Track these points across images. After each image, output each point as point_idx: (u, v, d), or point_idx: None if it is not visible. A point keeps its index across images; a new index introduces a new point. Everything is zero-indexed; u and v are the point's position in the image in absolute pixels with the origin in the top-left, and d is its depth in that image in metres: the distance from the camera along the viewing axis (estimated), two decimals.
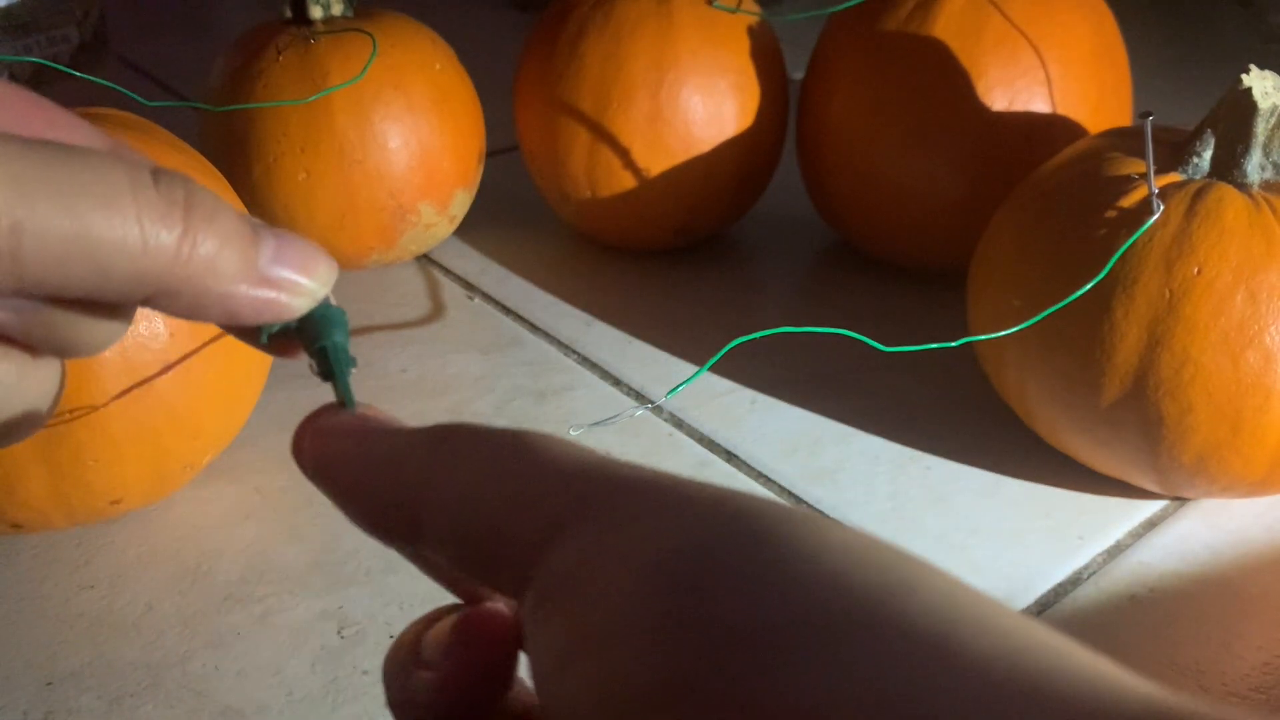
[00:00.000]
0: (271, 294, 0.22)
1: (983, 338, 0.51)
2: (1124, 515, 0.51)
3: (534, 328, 0.67)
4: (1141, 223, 0.46)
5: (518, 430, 0.20)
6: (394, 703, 0.22)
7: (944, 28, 0.63)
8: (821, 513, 0.52)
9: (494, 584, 0.19)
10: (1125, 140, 0.51)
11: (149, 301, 0.20)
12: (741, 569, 0.15)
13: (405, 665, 0.21)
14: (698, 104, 0.65)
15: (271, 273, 0.22)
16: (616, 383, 0.61)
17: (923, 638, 0.14)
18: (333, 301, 0.24)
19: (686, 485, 0.18)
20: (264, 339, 0.24)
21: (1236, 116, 0.47)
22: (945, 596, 0.15)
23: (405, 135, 0.65)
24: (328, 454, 0.22)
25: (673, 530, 0.16)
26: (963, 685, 0.13)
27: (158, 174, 0.20)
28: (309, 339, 0.24)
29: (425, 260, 0.74)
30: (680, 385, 0.55)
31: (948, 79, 0.62)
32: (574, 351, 0.64)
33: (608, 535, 0.17)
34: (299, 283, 0.22)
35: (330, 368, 0.24)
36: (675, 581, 0.15)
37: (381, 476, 0.21)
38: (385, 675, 0.22)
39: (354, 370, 0.24)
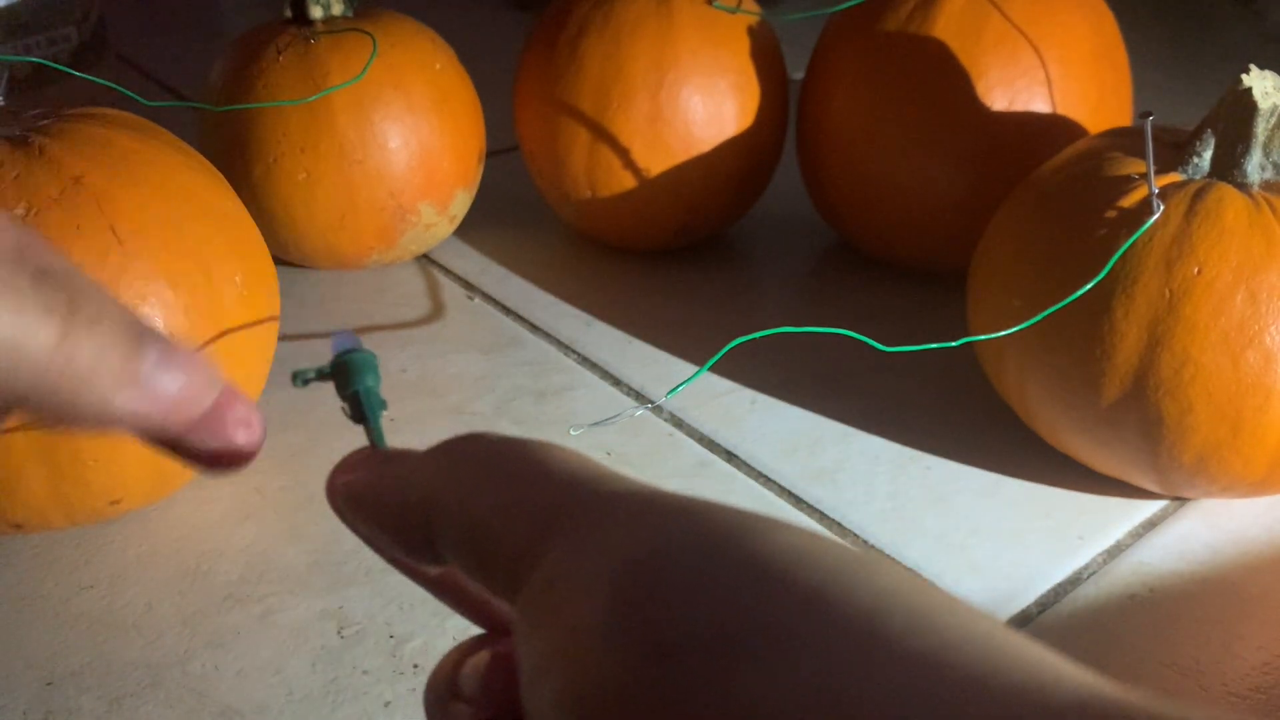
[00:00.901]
0: (147, 406, 0.21)
1: (983, 338, 0.51)
2: (1124, 515, 0.51)
3: (534, 328, 0.67)
4: (1141, 223, 0.46)
5: (518, 439, 0.21)
6: None
7: (944, 28, 0.63)
8: (821, 513, 0.52)
9: (493, 588, 0.20)
10: (1125, 140, 0.51)
11: (22, 403, 0.20)
12: (689, 577, 0.16)
13: (444, 696, 0.22)
14: (698, 104, 0.65)
15: (152, 383, 0.21)
16: (616, 383, 0.61)
17: (856, 637, 0.14)
18: (363, 345, 0.25)
19: (655, 496, 0.18)
20: (298, 383, 0.25)
21: (1236, 116, 0.47)
22: (883, 595, 0.15)
23: (405, 135, 0.65)
24: (351, 486, 0.23)
25: (630, 542, 0.17)
26: (892, 681, 0.14)
27: (41, 274, 0.20)
28: (341, 384, 0.25)
29: (425, 260, 0.74)
30: (680, 385, 0.55)
31: (948, 79, 0.62)
32: (574, 351, 0.64)
33: (579, 547, 0.18)
34: (178, 397, 0.22)
35: (362, 411, 0.25)
36: (628, 592, 0.16)
37: (396, 495, 0.21)
38: (426, 704, 0.23)
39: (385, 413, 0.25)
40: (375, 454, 0.24)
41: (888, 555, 0.49)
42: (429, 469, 0.21)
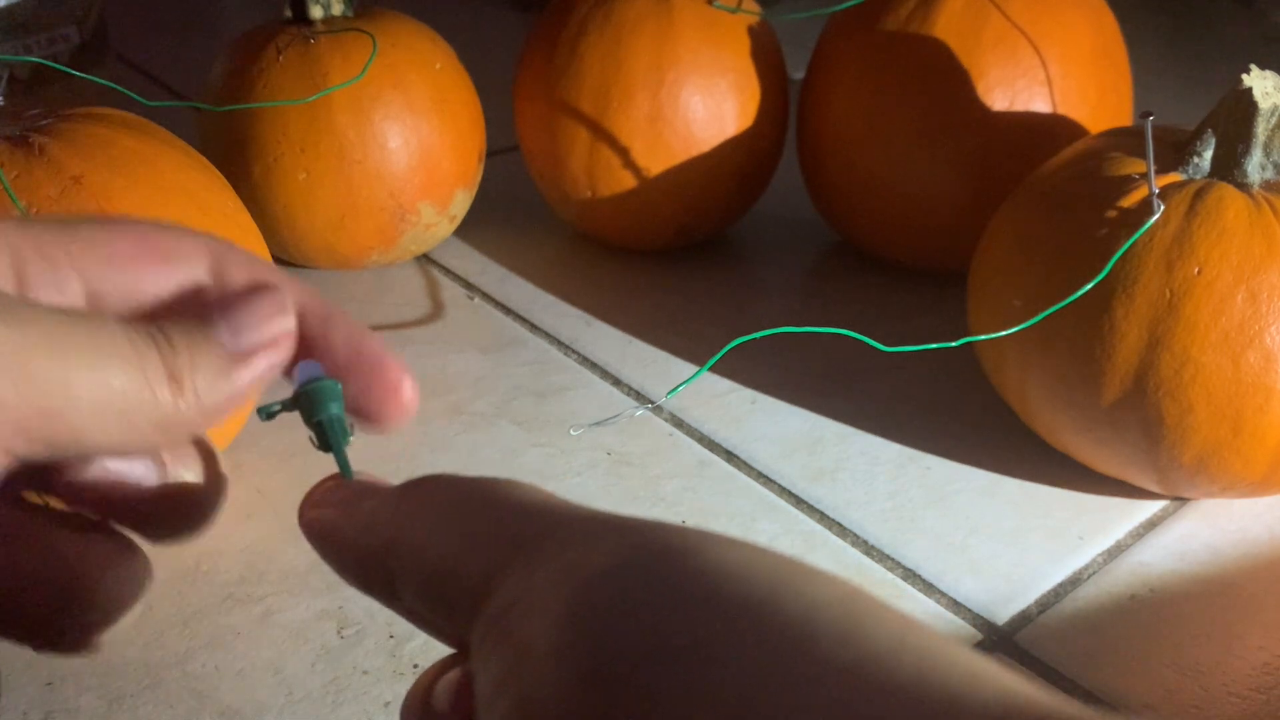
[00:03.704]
0: (255, 367, 0.23)
1: (983, 338, 0.51)
2: (1124, 515, 0.51)
3: (534, 328, 0.67)
4: (1142, 223, 0.46)
5: (481, 478, 0.21)
6: None
7: (944, 28, 0.63)
8: (821, 513, 0.52)
9: (452, 629, 0.20)
10: (1125, 140, 0.51)
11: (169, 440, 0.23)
12: (629, 597, 0.17)
13: (419, 713, 0.23)
14: (698, 104, 0.65)
15: (241, 345, 0.23)
16: (616, 383, 0.61)
17: (785, 649, 0.15)
18: (325, 374, 0.25)
19: (608, 520, 0.19)
20: (263, 417, 0.25)
21: (1237, 116, 0.47)
22: (815, 608, 0.16)
23: (405, 135, 0.65)
24: (318, 523, 0.24)
25: (582, 565, 0.18)
26: (819, 692, 0.14)
27: (159, 331, 0.22)
28: (306, 414, 0.25)
29: (425, 260, 0.74)
30: (680, 385, 0.55)
31: (948, 79, 0.62)
32: (574, 351, 0.64)
33: (535, 573, 0.18)
34: (265, 339, 0.23)
35: (328, 440, 0.25)
36: (574, 612, 0.17)
37: (360, 534, 0.22)
38: (403, 717, 0.24)
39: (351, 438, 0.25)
40: (341, 487, 0.24)
41: (888, 555, 0.49)
42: (389, 513, 0.22)
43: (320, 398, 0.25)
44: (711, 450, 0.56)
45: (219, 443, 0.50)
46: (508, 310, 0.68)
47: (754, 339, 0.52)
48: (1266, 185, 0.47)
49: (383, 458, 0.54)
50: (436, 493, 0.22)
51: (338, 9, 0.67)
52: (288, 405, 0.25)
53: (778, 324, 0.53)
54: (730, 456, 0.55)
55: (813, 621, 0.15)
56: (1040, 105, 0.62)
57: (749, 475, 0.54)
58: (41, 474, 0.22)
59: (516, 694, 0.17)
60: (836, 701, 0.14)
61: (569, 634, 0.16)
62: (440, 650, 0.25)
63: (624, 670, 0.16)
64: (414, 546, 0.21)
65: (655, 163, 0.66)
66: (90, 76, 0.55)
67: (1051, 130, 0.62)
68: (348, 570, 0.23)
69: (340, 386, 0.25)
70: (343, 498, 0.24)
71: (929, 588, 0.47)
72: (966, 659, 0.15)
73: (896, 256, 0.70)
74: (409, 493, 0.22)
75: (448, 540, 0.20)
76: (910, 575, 0.48)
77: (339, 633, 0.45)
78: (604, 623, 0.16)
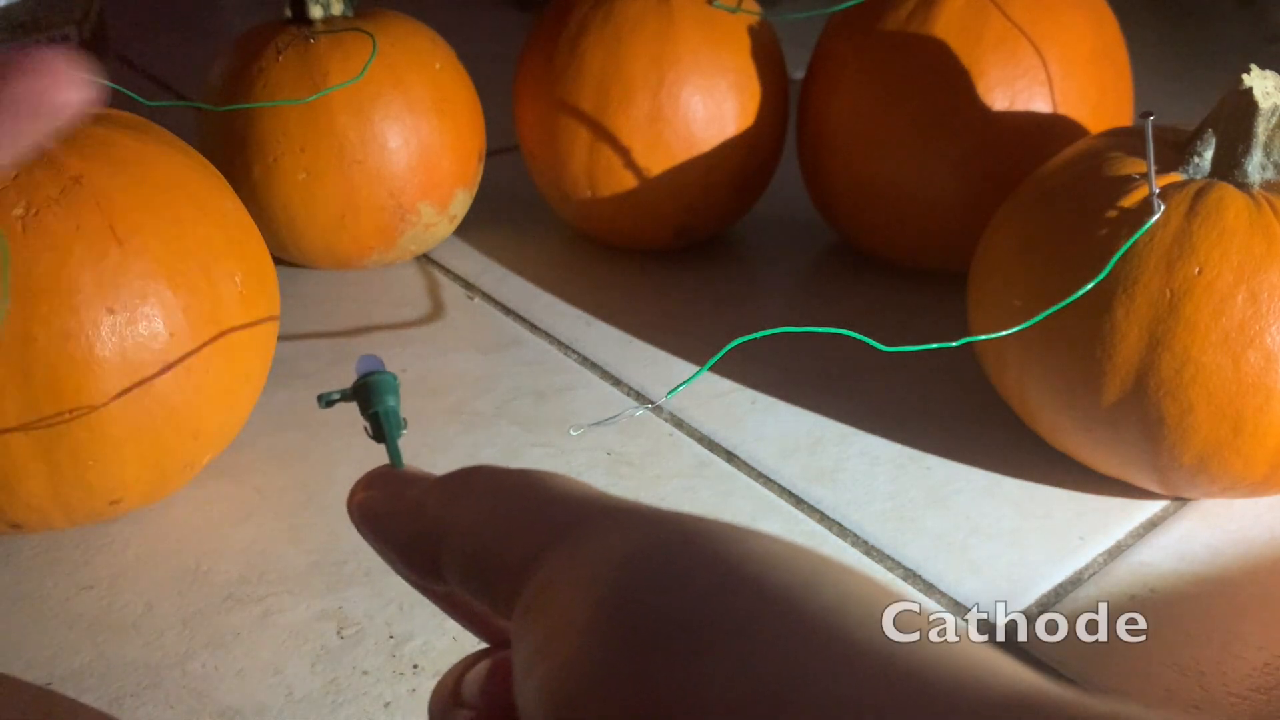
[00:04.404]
0: None
1: (983, 338, 0.51)
2: (1124, 515, 0.51)
3: (534, 328, 0.66)
4: (1142, 223, 0.46)
5: (524, 470, 0.23)
6: None
7: (944, 28, 0.63)
8: (822, 513, 0.52)
9: (494, 608, 0.21)
10: (1126, 140, 0.51)
11: None
12: (667, 577, 0.17)
13: (447, 704, 0.24)
14: (698, 104, 0.65)
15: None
16: (616, 383, 0.61)
17: (818, 632, 0.16)
18: (385, 367, 0.27)
19: (646, 508, 0.20)
20: (322, 404, 0.26)
21: (1237, 116, 0.47)
22: (845, 596, 0.17)
23: (405, 135, 0.65)
24: (368, 503, 0.25)
25: (617, 546, 0.18)
26: (847, 673, 0.15)
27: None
28: (363, 404, 0.26)
29: (425, 260, 0.74)
30: (680, 385, 0.55)
31: (948, 79, 0.62)
32: (574, 351, 0.64)
33: (573, 555, 0.19)
34: None
35: (382, 431, 0.26)
36: (612, 590, 0.17)
37: (408, 516, 0.23)
38: (430, 712, 0.25)
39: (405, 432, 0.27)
40: (392, 474, 0.25)
41: (888, 555, 0.49)
42: (438, 497, 0.23)
43: (378, 390, 0.26)
44: (711, 450, 0.56)
45: (219, 444, 0.50)
46: (508, 310, 0.68)
47: (754, 339, 0.52)
48: (1267, 185, 0.47)
49: (383, 458, 0.54)
50: (481, 481, 0.23)
51: (338, 9, 0.67)
52: (346, 395, 0.26)
53: (778, 324, 0.53)
54: (730, 456, 0.55)
55: (845, 609, 0.16)
56: (1040, 105, 0.62)
57: (749, 475, 0.54)
58: None
59: (551, 666, 0.17)
60: (870, 678, 0.15)
61: (611, 606, 0.17)
62: (443, 651, 0.25)
63: (667, 641, 0.16)
64: (460, 530, 0.22)
65: (655, 163, 0.66)
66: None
67: (1051, 130, 0.62)
68: (395, 551, 0.24)
69: (397, 380, 0.27)
70: (392, 484, 0.25)
71: (929, 588, 0.47)
72: (980, 650, 0.16)
73: (896, 256, 0.70)
74: (455, 480, 0.23)
75: (492, 525, 0.21)
76: (910, 575, 0.48)
77: (339, 633, 0.45)
78: (648, 596, 0.17)
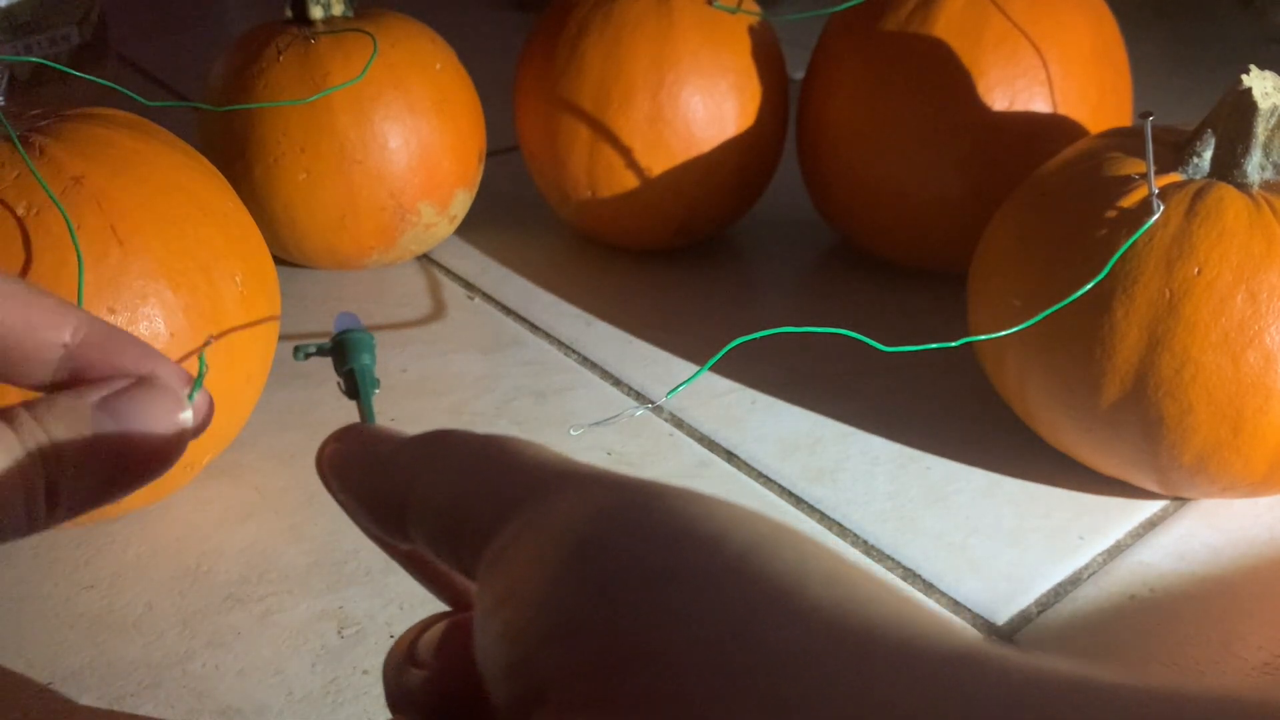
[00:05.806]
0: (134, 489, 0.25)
1: (983, 338, 0.51)
2: (1124, 515, 0.51)
3: (534, 328, 0.67)
4: (1141, 223, 0.46)
5: (494, 435, 0.23)
6: (391, 698, 0.24)
7: (944, 28, 0.63)
8: (822, 513, 0.52)
9: (459, 565, 0.21)
10: (1125, 140, 0.51)
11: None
12: (635, 527, 0.18)
13: (401, 664, 0.24)
14: (698, 104, 0.65)
15: (113, 417, 0.24)
16: (616, 383, 0.61)
17: (777, 585, 0.16)
18: (363, 326, 0.27)
19: (613, 474, 0.20)
20: (299, 357, 0.27)
21: (1237, 116, 0.47)
22: (804, 556, 0.17)
23: (405, 135, 0.65)
24: (338, 456, 0.25)
25: (580, 504, 0.19)
26: (804, 627, 0.15)
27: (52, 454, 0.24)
28: (339, 361, 0.26)
29: (425, 260, 0.74)
30: (680, 385, 0.55)
31: (948, 79, 0.62)
32: (574, 351, 0.64)
33: (542, 512, 0.19)
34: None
35: (355, 388, 0.26)
36: (572, 542, 0.18)
37: (378, 473, 0.23)
38: (384, 673, 0.25)
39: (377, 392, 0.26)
40: (364, 429, 0.25)
41: (888, 554, 0.49)
42: (409, 455, 0.23)
43: (354, 348, 0.26)
44: (711, 450, 0.56)
45: (219, 444, 0.50)
46: (508, 310, 0.68)
47: (754, 339, 0.52)
48: (1266, 185, 0.47)
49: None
50: (452, 442, 0.23)
51: (338, 9, 0.67)
52: (323, 350, 0.26)
53: (778, 324, 0.53)
54: (730, 456, 0.55)
55: (805, 568, 0.17)
56: (1040, 105, 0.62)
57: (749, 475, 0.54)
58: None
59: (514, 609, 0.18)
60: (825, 629, 0.15)
61: (579, 554, 0.18)
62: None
63: (633, 587, 0.17)
64: (429, 487, 0.22)
65: (655, 163, 0.66)
66: (90, 76, 0.55)
67: (1051, 130, 0.62)
68: (362, 505, 0.24)
69: (374, 339, 0.27)
70: (363, 438, 0.25)
71: (929, 588, 0.47)
72: (938, 615, 0.16)
73: (896, 256, 0.70)
74: (426, 440, 0.23)
75: (462, 484, 0.21)
76: (910, 575, 0.48)
77: (339, 633, 0.45)
78: (616, 544, 0.17)
